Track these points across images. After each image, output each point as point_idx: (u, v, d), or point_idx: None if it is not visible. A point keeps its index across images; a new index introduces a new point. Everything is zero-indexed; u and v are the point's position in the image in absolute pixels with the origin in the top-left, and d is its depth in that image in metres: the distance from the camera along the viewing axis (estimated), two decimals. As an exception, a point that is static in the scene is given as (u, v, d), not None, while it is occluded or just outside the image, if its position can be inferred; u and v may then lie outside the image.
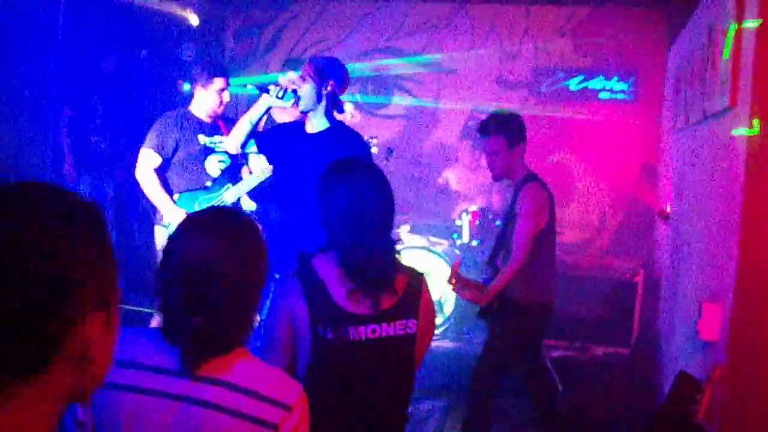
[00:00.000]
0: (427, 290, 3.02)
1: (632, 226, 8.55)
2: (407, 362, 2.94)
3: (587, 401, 5.91)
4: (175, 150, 5.79)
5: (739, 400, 3.47)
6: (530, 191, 4.85)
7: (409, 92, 9.20)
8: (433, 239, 7.57)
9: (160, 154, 5.77)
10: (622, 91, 8.60)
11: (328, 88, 4.80)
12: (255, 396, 2.04)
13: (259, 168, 5.88)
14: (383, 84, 9.20)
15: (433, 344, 6.81)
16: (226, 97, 5.90)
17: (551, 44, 8.80)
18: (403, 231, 7.68)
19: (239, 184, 5.84)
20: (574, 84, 8.72)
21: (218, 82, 5.82)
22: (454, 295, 7.00)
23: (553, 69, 8.79)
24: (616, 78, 8.60)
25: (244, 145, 5.00)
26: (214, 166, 5.85)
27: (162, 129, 5.83)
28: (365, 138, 5.12)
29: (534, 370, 5.19)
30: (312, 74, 4.79)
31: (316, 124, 4.87)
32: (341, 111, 4.98)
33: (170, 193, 5.76)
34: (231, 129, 5.42)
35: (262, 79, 8.74)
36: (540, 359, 5.21)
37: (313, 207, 4.75)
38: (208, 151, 5.84)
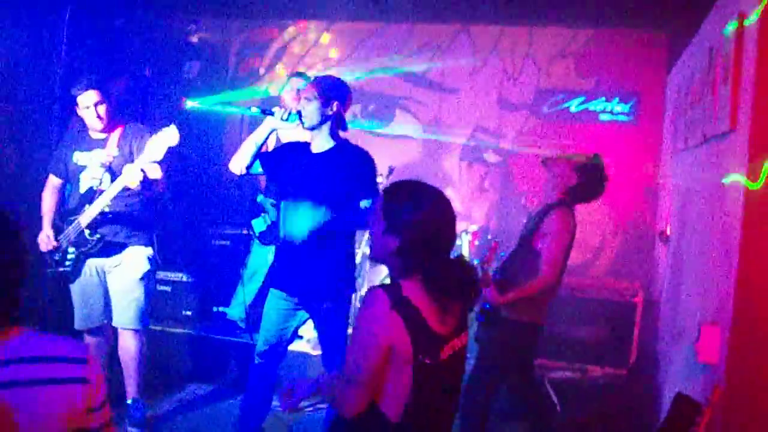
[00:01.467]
0: None
1: (632, 247, 8.55)
2: (464, 369, 3.11)
3: (585, 422, 5.90)
4: (66, 169, 5.58)
5: (738, 423, 3.47)
6: (562, 214, 5.01)
7: (410, 112, 9.23)
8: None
9: (57, 175, 5.64)
10: (623, 113, 8.62)
11: (333, 108, 4.83)
12: (49, 360, 2.10)
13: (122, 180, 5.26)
14: (385, 103, 9.23)
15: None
16: (94, 112, 5.39)
17: (553, 66, 8.84)
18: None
19: (94, 203, 5.33)
20: (575, 106, 8.74)
21: (82, 100, 5.39)
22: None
23: (554, 90, 8.82)
24: (617, 100, 8.62)
25: (249, 167, 4.99)
26: (84, 183, 5.49)
27: (57, 150, 5.73)
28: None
29: (528, 391, 5.21)
30: (317, 94, 4.82)
31: (321, 143, 4.90)
32: (345, 129, 5.00)
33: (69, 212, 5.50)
34: (128, 135, 5.42)
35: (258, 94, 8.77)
36: (532, 378, 5.23)
37: (318, 225, 4.78)
38: (80, 168, 5.51)
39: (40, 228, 5.53)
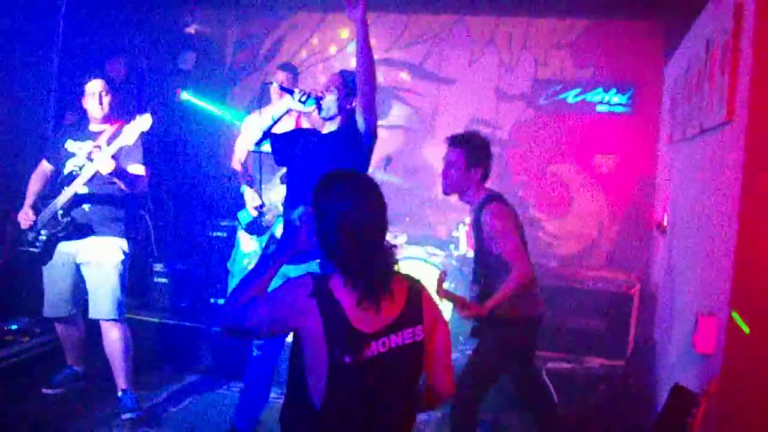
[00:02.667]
0: (428, 294, 3.03)
1: (629, 238, 8.56)
2: (418, 369, 2.95)
3: (583, 413, 5.91)
4: (58, 156, 5.64)
5: (735, 413, 3.47)
6: (491, 209, 4.83)
7: (407, 102, 9.22)
8: (430, 250, 7.57)
9: (50, 162, 5.71)
10: (620, 104, 8.62)
11: (353, 103, 4.83)
12: None
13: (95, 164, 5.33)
14: (382, 94, 9.21)
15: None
16: (98, 99, 5.52)
17: (550, 56, 8.83)
18: (400, 241, 7.69)
19: (69, 186, 5.43)
20: (572, 96, 8.74)
21: (89, 87, 5.54)
22: (450, 306, 6.99)
23: (551, 81, 8.81)
24: (614, 91, 8.62)
25: (259, 144, 4.98)
26: (68, 169, 5.56)
27: (54, 138, 5.82)
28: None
29: (530, 384, 5.20)
30: (340, 86, 4.83)
31: (330, 128, 4.91)
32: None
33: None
34: (122, 132, 5.37)
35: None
36: (535, 372, 5.21)
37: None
38: (69, 155, 5.59)
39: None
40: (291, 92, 4.89)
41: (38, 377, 6.00)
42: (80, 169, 5.44)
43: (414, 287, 2.97)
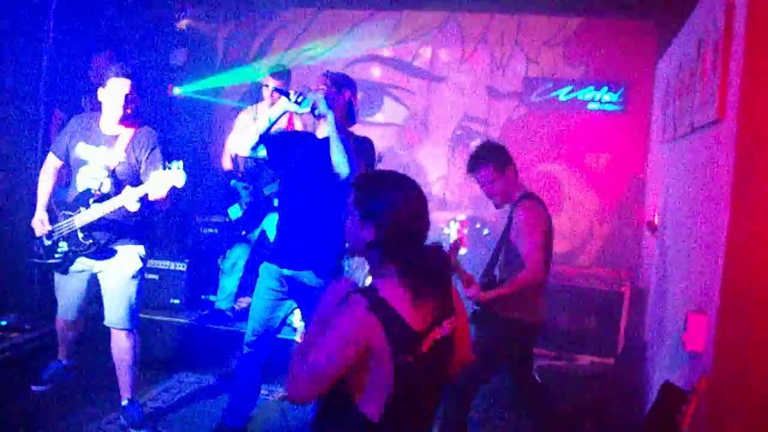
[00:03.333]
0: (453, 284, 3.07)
1: (620, 236, 8.58)
2: (451, 357, 3.01)
3: (573, 411, 5.91)
4: (67, 155, 5.39)
5: (724, 411, 3.49)
6: (528, 207, 4.93)
7: (399, 100, 9.22)
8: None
9: (58, 156, 5.45)
10: (612, 102, 8.63)
11: (345, 97, 4.93)
12: None
13: (134, 192, 5.08)
14: (374, 92, 9.22)
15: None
16: (123, 101, 5.22)
17: (542, 54, 8.84)
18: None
19: (91, 208, 5.21)
20: (563, 94, 8.75)
21: (114, 83, 5.22)
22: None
23: (543, 79, 8.82)
24: (605, 89, 8.63)
25: (255, 148, 4.97)
26: (82, 180, 5.31)
27: (64, 131, 5.50)
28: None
29: (527, 384, 5.21)
30: (328, 84, 4.88)
31: (327, 130, 4.92)
32: (353, 122, 5.03)
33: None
34: (139, 142, 5.25)
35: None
36: (528, 375, 5.22)
37: (318, 207, 4.78)
38: (82, 162, 5.31)
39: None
40: (287, 94, 4.90)
41: (28, 374, 5.97)
42: (99, 186, 5.23)
43: (449, 282, 3.02)
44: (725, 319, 3.49)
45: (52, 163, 5.50)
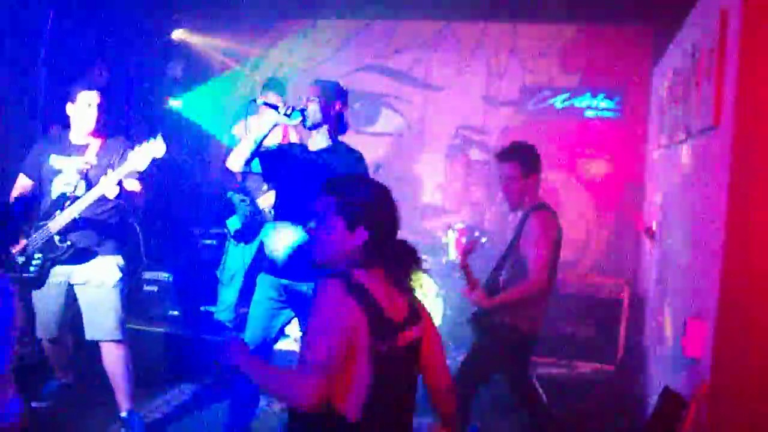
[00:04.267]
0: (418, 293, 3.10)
1: (618, 243, 8.58)
2: (419, 362, 3.02)
3: (573, 418, 5.91)
4: (39, 172, 5.38)
5: (724, 417, 3.49)
6: (541, 217, 4.97)
7: (396, 110, 9.23)
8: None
9: (28, 176, 5.45)
10: (608, 109, 8.64)
11: (336, 108, 4.93)
12: None
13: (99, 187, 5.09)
14: (370, 101, 9.23)
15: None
16: (94, 112, 5.30)
17: (538, 62, 8.86)
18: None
19: (66, 210, 5.16)
20: (560, 102, 8.76)
21: (84, 97, 5.29)
22: (441, 311, 7.01)
23: (539, 87, 8.84)
24: (602, 96, 8.64)
25: (248, 163, 4.98)
26: (56, 187, 5.31)
27: (33, 151, 5.52)
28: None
29: (522, 390, 5.21)
30: (319, 95, 4.91)
31: (318, 142, 4.97)
32: (344, 131, 5.06)
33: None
34: (110, 148, 5.29)
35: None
36: (525, 382, 5.22)
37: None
38: (56, 172, 5.32)
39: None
40: (275, 107, 4.94)
41: (28, 390, 5.94)
42: (74, 189, 5.23)
43: (410, 286, 3.01)
44: (724, 325, 3.50)
45: (21, 183, 5.48)
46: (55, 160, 5.35)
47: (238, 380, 5.16)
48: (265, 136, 4.96)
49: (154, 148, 5.07)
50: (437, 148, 9.10)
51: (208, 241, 8.06)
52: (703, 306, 3.88)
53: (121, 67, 8.05)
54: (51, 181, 5.34)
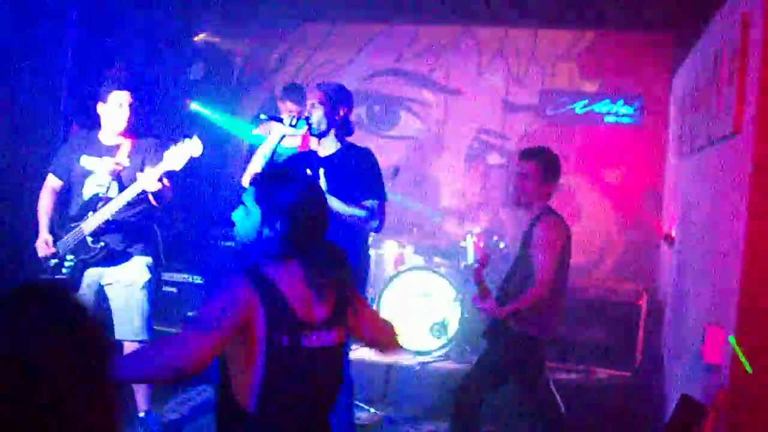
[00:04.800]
0: (360, 299, 3.10)
1: (637, 249, 8.55)
2: (341, 372, 3.01)
3: (590, 424, 5.90)
4: (69, 172, 5.43)
5: (743, 424, 3.48)
6: (547, 222, 4.97)
7: (415, 114, 9.24)
8: (437, 260, 7.58)
9: (58, 176, 5.49)
10: (628, 115, 8.62)
11: (341, 113, 4.91)
12: None
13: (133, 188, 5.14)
14: (390, 105, 9.24)
15: (437, 365, 6.84)
16: (126, 111, 5.35)
17: (557, 67, 8.85)
18: (407, 251, 7.71)
19: (99, 211, 5.22)
20: (579, 107, 8.74)
21: (116, 96, 5.33)
22: (458, 315, 7.01)
23: (559, 92, 8.82)
24: (621, 102, 8.62)
25: None
26: (88, 189, 5.35)
27: (62, 150, 5.59)
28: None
29: (537, 396, 5.20)
30: (323, 101, 4.89)
31: (328, 147, 4.97)
32: (351, 133, 5.06)
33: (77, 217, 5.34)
34: (141, 148, 5.32)
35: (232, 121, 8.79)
36: (542, 386, 5.21)
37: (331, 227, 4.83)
38: (87, 173, 5.36)
39: (37, 231, 5.40)
40: (280, 120, 4.96)
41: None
42: (106, 190, 5.26)
43: (344, 289, 2.99)
44: (743, 332, 3.49)
45: (51, 183, 5.52)
46: (86, 161, 5.38)
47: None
48: (275, 150, 4.98)
49: (191, 147, 5.12)
50: (456, 153, 9.10)
51: (227, 243, 8.08)
52: (722, 313, 3.86)
53: (143, 69, 8.08)
54: (82, 182, 5.37)
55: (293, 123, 4.89)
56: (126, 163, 5.31)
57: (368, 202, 4.87)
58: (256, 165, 4.97)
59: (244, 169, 5.10)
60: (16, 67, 6.63)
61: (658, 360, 6.63)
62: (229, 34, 9.35)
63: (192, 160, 5.22)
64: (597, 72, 8.72)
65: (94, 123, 5.53)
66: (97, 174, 5.35)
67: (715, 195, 4.52)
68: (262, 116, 5.23)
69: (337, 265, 2.93)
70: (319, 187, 3.00)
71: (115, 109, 5.35)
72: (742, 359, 3.38)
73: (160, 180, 5.06)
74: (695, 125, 5.47)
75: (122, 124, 5.36)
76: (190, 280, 7.55)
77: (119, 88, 5.36)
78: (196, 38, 9.01)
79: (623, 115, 8.62)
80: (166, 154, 5.11)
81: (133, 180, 5.18)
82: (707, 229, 4.72)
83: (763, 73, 3.48)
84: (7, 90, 6.53)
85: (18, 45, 6.56)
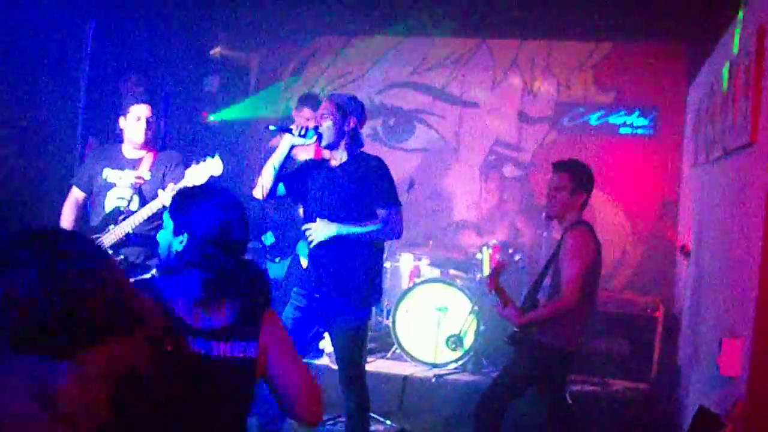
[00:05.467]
0: (274, 316, 3.04)
1: (653, 261, 8.53)
2: (244, 387, 2.94)
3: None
4: (92, 184, 5.51)
5: (760, 436, 3.46)
6: (578, 233, 5.00)
7: (430, 126, 9.25)
8: (453, 272, 7.58)
9: (81, 188, 5.57)
10: (643, 126, 8.61)
11: (351, 124, 4.91)
12: None
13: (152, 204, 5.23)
14: (405, 117, 9.26)
15: (453, 377, 6.84)
16: (144, 125, 5.43)
17: (572, 79, 8.85)
18: (423, 264, 7.71)
19: (121, 224, 5.29)
20: (594, 119, 8.74)
21: (135, 110, 5.42)
22: (474, 327, 7.00)
23: (574, 104, 8.82)
24: (637, 113, 8.62)
25: (273, 190, 5.02)
26: (110, 202, 5.42)
27: (85, 164, 5.68)
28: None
29: (557, 409, 5.20)
30: (333, 112, 4.89)
31: (338, 157, 4.97)
32: (361, 145, 5.06)
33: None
34: (163, 161, 5.38)
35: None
36: (561, 401, 5.21)
37: (340, 237, 4.82)
38: (109, 185, 5.44)
39: None
40: (289, 131, 4.96)
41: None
42: (128, 203, 5.32)
43: (258, 303, 2.97)
44: (760, 344, 3.47)
45: (74, 195, 5.58)
46: (109, 174, 5.45)
47: (264, 390, 5.15)
48: (285, 160, 4.99)
49: (212, 166, 5.18)
50: (472, 165, 9.10)
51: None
52: (739, 324, 3.85)
53: (159, 82, 8.13)
54: (104, 194, 5.43)
55: (302, 133, 4.90)
56: (147, 176, 5.37)
57: (381, 212, 4.88)
58: (266, 176, 4.99)
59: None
60: (33, 79, 6.68)
61: (674, 372, 6.60)
62: (245, 47, 9.40)
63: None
64: (612, 83, 8.72)
65: (110, 135, 5.59)
66: (118, 187, 5.41)
67: (731, 206, 4.50)
68: (271, 128, 5.24)
69: (247, 282, 2.93)
70: (239, 206, 2.96)
71: (133, 123, 5.42)
72: None
73: None
74: (711, 136, 5.46)
75: (141, 137, 5.43)
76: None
77: (138, 102, 5.43)
78: (212, 51, 9.06)
79: (638, 127, 8.62)
80: (188, 172, 5.17)
81: (154, 193, 5.23)
82: (723, 240, 4.71)
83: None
84: (24, 101, 6.58)
85: (36, 56, 6.61)
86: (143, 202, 5.25)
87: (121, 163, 5.46)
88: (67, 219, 5.54)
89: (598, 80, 8.76)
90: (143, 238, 5.31)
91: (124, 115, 5.45)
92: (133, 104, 5.43)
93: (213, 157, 5.20)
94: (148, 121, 5.43)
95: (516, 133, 8.99)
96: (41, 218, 6.06)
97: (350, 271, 4.90)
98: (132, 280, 2.82)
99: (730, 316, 4.18)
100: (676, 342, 6.90)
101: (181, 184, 5.09)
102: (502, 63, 9.04)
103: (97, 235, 5.30)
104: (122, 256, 5.28)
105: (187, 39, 8.61)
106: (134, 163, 5.45)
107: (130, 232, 5.26)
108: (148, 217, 5.21)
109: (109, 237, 5.28)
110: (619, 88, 8.70)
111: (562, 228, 5.14)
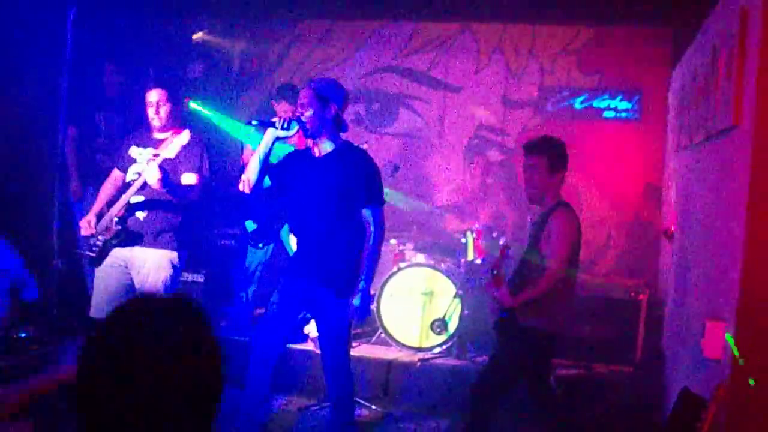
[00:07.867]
0: None
1: (637, 245, 8.55)
2: None
3: (591, 420, 5.90)
4: (123, 163, 5.82)
5: (743, 418, 3.47)
6: (560, 214, 4.99)
7: (414, 110, 9.23)
8: (437, 256, 7.57)
9: (120, 169, 5.86)
10: (627, 110, 8.62)
11: (332, 111, 4.88)
12: None
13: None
14: (389, 102, 9.23)
15: (438, 361, 6.84)
16: (155, 109, 5.71)
17: (556, 63, 8.83)
18: (407, 248, 7.70)
19: (123, 195, 5.63)
20: (578, 103, 8.74)
21: (147, 97, 5.74)
22: (458, 312, 7.00)
23: (558, 88, 8.82)
24: (620, 97, 8.62)
25: (260, 182, 4.99)
26: (129, 176, 5.74)
27: (123, 144, 5.94)
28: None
29: (542, 396, 5.20)
30: (313, 100, 4.85)
31: (322, 147, 4.95)
32: (345, 130, 5.05)
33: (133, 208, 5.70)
34: (181, 139, 5.51)
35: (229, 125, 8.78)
36: (547, 385, 5.22)
37: (327, 225, 4.82)
38: (131, 160, 5.75)
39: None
40: (272, 124, 4.93)
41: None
42: (138, 176, 5.53)
43: None
44: (743, 326, 3.48)
45: (113, 174, 5.92)
46: (133, 151, 5.75)
47: (248, 376, 5.15)
48: (269, 153, 4.97)
49: (181, 137, 5.45)
50: (456, 149, 9.09)
51: (226, 241, 8.08)
52: (722, 307, 3.86)
53: (142, 69, 8.08)
54: (127, 169, 5.75)
55: (285, 126, 4.87)
56: (169, 155, 5.49)
57: (366, 212, 4.88)
58: (252, 170, 4.96)
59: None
60: (14, 68, 6.65)
61: (658, 355, 6.63)
62: (228, 33, 9.35)
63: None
64: (596, 67, 8.71)
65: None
66: (138, 162, 5.67)
67: (715, 189, 4.51)
68: (254, 122, 5.21)
69: None
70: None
71: (149, 109, 5.71)
72: (736, 352, 3.38)
73: (161, 169, 5.29)
74: (694, 120, 5.46)
75: (156, 120, 5.72)
76: (190, 279, 7.55)
77: (149, 88, 5.74)
78: (194, 36, 9.01)
79: (622, 110, 8.62)
80: (161, 147, 5.49)
81: (175, 171, 5.54)
82: (707, 223, 4.72)
83: (762, 66, 3.47)
84: (4, 90, 6.55)
85: (17, 45, 6.57)
86: (166, 177, 5.35)
87: (145, 142, 5.74)
88: (100, 197, 5.91)
89: (582, 64, 8.75)
90: (143, 208, 5.63)
91: (145, 100, 5.76)
92: (149, 89, 5.73)
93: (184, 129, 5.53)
94: (158, 105, 5.68)
95: (500, 118, 8.98)
96: (24, 208, 6.05)
97: (335, 260, 4.90)
98: None
99: (714, 299, 4.19)
100: (660, 325, 6.92)
101: (159, 158, 5.35)
102: (485, 47, 9.02)
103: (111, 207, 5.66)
104: (120, 226, 5.58)
105: (169, 25, 8.56)
106: (157, 143, 5.67)
107: (131, 202, 5.58)
108: (158, 194, 5.48)
109: (114, 208, 5.60)
110: (603, 72, 8.69)
111: (541, 210, 5.12)
